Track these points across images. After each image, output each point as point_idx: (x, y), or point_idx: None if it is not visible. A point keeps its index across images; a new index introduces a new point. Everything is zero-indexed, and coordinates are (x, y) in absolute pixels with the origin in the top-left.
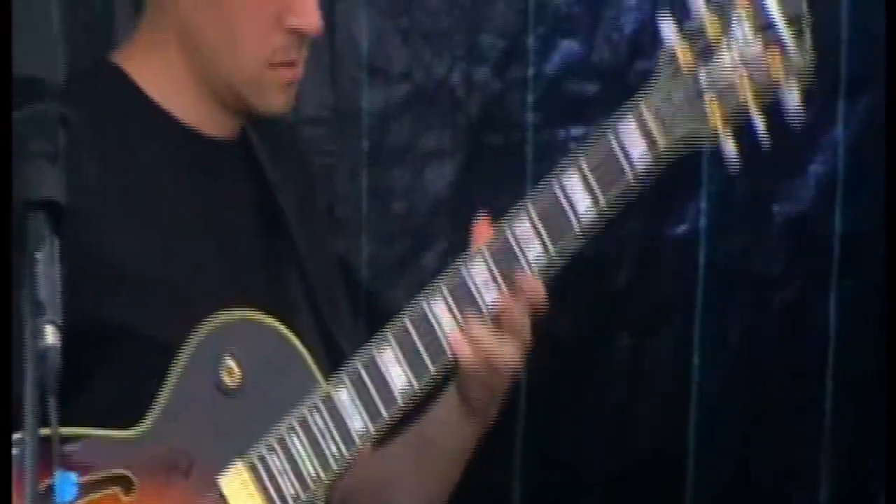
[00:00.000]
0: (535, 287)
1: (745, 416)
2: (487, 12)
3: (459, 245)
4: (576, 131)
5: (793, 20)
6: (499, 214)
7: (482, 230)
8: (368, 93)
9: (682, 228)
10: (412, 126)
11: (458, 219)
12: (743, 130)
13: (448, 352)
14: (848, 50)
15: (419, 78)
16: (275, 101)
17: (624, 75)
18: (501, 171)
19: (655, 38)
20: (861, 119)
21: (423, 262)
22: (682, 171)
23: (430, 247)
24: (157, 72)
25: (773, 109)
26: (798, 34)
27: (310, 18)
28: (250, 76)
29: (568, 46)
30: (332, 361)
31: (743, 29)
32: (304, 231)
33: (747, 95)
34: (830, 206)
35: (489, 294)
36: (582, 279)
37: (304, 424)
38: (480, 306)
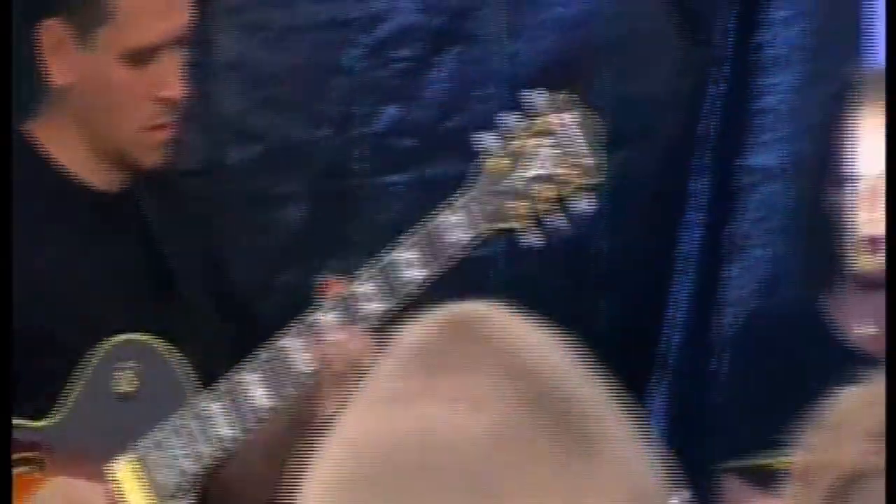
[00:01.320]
0: (362, 340)
1: None
2: (328, 85)
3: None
4: (399, 179)
5: (591, 141)
6: (340, 249)
7: (330, 285)
8: (234, 149)
9: (483, 251)
10: (269, 176)
11: (308, 251)
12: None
13: (300, 381)
14: None
15: (274, 137)
16: (152, 157)
17: (435, 132)
18: (341, 211)
19: (460, 102)
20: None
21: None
22: None
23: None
24: (58, 137)
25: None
26: (597, 153)
27: (175, 90)
28: (131, 138)
29: (391, 111)
30: (209, 379)
31: (551, 148)
32: (184, 264)
33: (550, 198)
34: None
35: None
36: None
37: (183, 427)
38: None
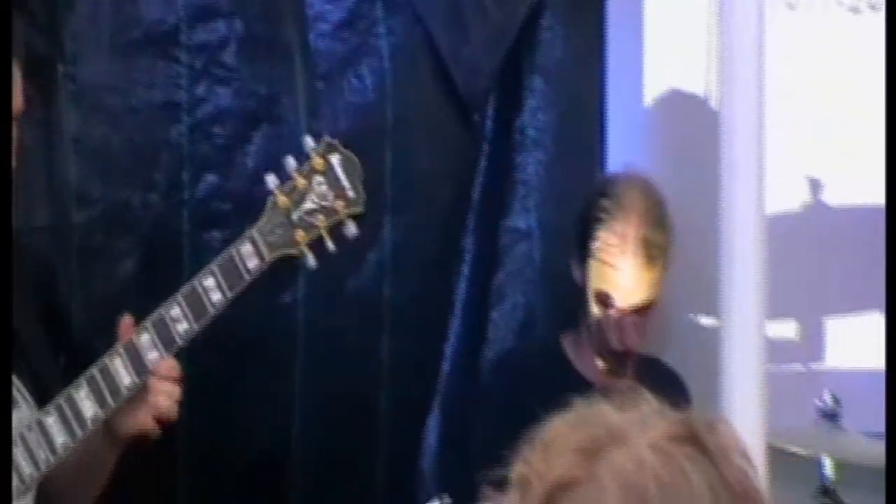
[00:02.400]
0: (170, 366)
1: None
2: (158, 157)
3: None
4: (217, 235)
5: (353, 179)
6: (166, 294)
7: (126, 326)
8: (76, 210)
9: (288, 297)
10: (106, 233)
11: (140, 296)
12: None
13: (123, 394)
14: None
15: (112, 200)
16: None
17: (248, 196)
18: (168, 263)
19: (267, 173)
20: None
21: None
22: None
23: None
24: None
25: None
26: (357, 188)
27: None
28: None
29: (211, 179)
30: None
31: (321, 185)
32: (26, 308)
33: (322, 226)
34: (380, 280)
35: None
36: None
37: (24, 439)
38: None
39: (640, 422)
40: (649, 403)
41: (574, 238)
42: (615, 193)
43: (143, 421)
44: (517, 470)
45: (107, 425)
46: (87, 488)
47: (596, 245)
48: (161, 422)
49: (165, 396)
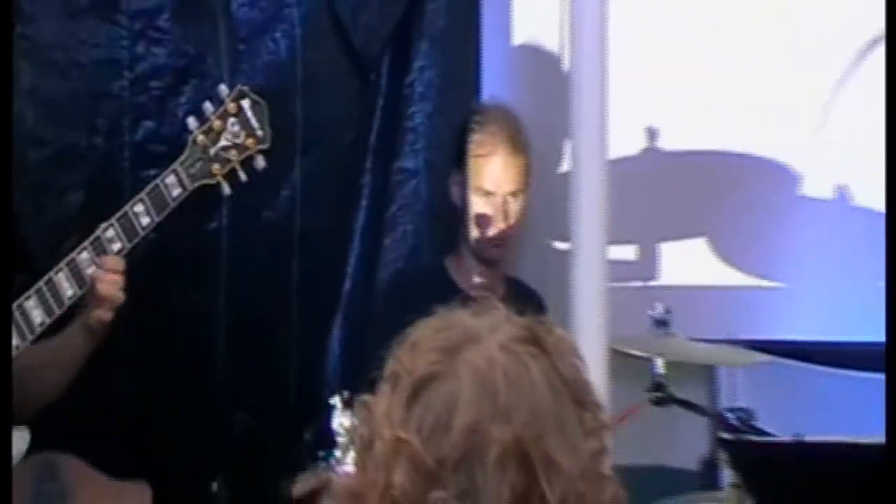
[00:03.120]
0: (115, 261)
1: None
2: (102, 106)
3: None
4: (153, 172)
5: (262, 120)
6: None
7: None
8: (32, 151)
9: (213, 225)
10: (57, 171)
11: (85, 225)
12: (235, 176)
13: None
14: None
15: (62, 143)
16: None
17: (179, 140)
18: (111, 197)
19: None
20: (311, 164)
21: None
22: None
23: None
24: None
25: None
26: (265, 128)
27: None
28: None
29: (147, 125)
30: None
31: (233, 125)
32: None
33: (235, 160)
34: (291, 212)
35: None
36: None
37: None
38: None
39: (491, 326)
40: (500, 311)
41: (453, 154)
42: (486, 112)
43: (97, 309)
44: (390, 366)
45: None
46: (62, 373)
47: (470, 147)
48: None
49: (111, 284)
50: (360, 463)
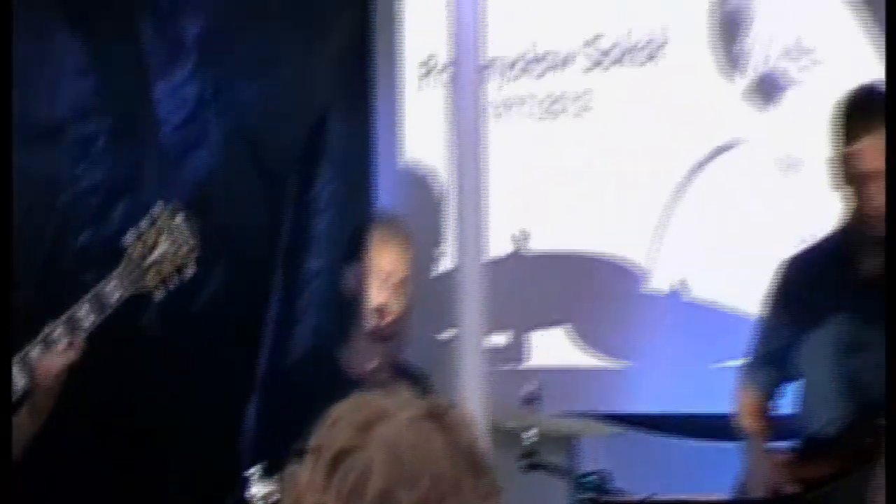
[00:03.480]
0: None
1: None
2: (47, 219)
3: None
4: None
5: (191, 233)
6: None
7: None
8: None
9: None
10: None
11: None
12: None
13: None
14: None
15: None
16: None
17: (115, 248)
18: (55, 296)
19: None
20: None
21: None
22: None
23: None
24: None
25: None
26: (194, 240)
27: None
28: None
29: (87, 234)
30: None
31: (165, 239)
32: None
33: (167, 270)
34: (215, 306)
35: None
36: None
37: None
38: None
39: (398, 405)
40: (406, 393)
41: (352, 253)
42: (380, 218)
43: (42, 396)
44: (312, 441)
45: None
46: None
47: (368, 244)
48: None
49: (54, 377)
50: None
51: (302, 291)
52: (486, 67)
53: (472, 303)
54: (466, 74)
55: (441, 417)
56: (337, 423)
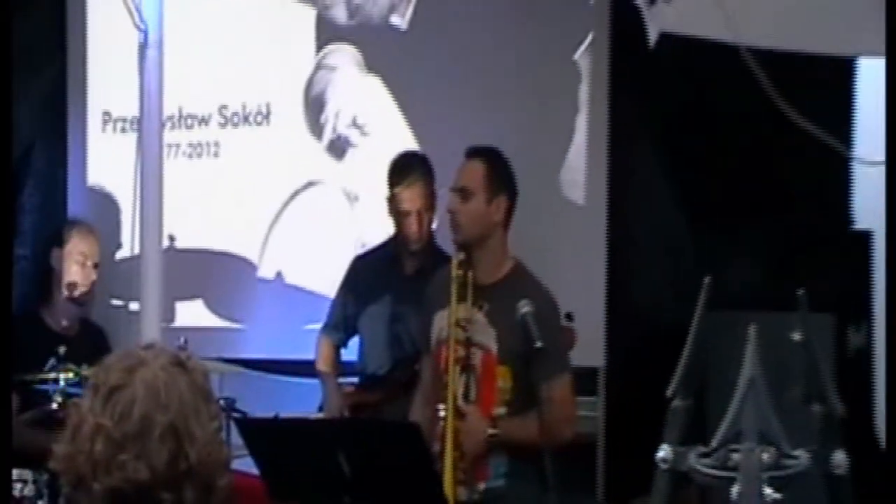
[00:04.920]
0: None
1: None
2: None
3: None
4: None
5: None
6: None
7: None
8: None
9: None
10: None
11: None
12: None
13: None
14: None
15: None
16: None
17: None
18: None
19: None
20: None
21: None
22: None
23: None
24: None
25: None
26: None
27: None
28: None
29: None
30: None
31: None
32: None
33: None
34: None
35: None
36: None
37: None
38: None
39: (154, 355)
40: (159, 347)
41: (52, 243)
42: (73, 224)
43: None
44: (91, 379)
45: None
46: None
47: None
48: None
49: None
50: (70, 438)
51: (13, 272)
52: (164, 119)
53: (153, 283)
54: (151, 124)
55: (183, 363)
56: (109, 368)
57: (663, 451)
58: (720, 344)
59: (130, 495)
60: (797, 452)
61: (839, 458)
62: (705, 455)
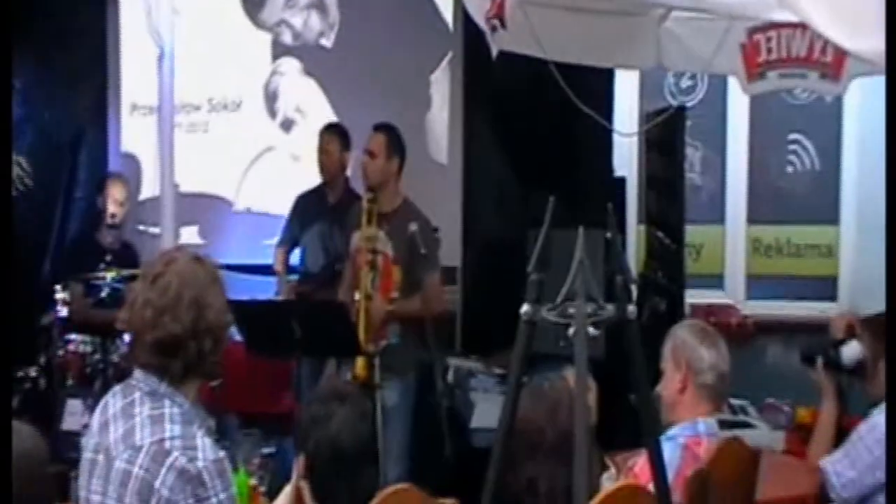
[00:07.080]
0: None
1: None
2: None
3: None
4: None
5: None
6: None
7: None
8: None
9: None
10: None
11: None
12: None
13: None
14: None
15: None
16: None
17: None
18: None
19: None
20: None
21: None
22: None
23: None
24: None
25: None
26: None
27: None
28: None
29: None
30: None
31: None
32: None
33: None
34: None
35: None
36: None
37: None
38: None
39: (182, 254)
40: (186, 249)
41: (98, 189)
42: (111, 177)
43: None
44: (142, 271)
45: None
46: None
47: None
48: None
49: None
50: (129, 308)
51: (72, 208)
52: (176, 107)
53: (166, 213)
54: (165, 111)
55: (201, 259)
56: (153, 263)
57: (524, 308)
58: (559, 240)
59: (169, 344)
60: (608, 305)
61: (630, 308)
62: (552, 310)
